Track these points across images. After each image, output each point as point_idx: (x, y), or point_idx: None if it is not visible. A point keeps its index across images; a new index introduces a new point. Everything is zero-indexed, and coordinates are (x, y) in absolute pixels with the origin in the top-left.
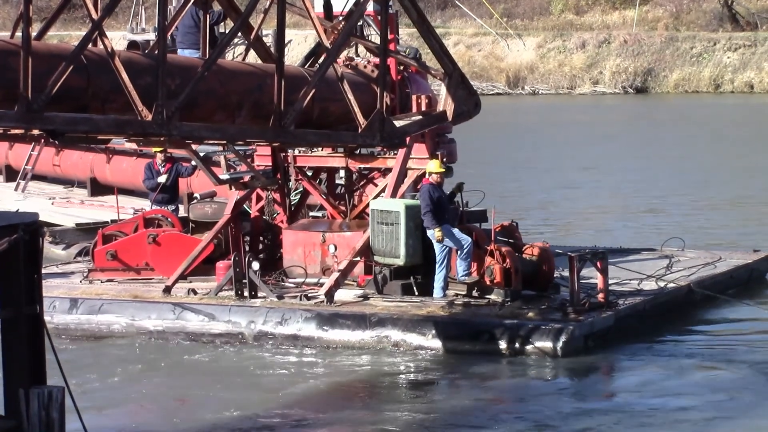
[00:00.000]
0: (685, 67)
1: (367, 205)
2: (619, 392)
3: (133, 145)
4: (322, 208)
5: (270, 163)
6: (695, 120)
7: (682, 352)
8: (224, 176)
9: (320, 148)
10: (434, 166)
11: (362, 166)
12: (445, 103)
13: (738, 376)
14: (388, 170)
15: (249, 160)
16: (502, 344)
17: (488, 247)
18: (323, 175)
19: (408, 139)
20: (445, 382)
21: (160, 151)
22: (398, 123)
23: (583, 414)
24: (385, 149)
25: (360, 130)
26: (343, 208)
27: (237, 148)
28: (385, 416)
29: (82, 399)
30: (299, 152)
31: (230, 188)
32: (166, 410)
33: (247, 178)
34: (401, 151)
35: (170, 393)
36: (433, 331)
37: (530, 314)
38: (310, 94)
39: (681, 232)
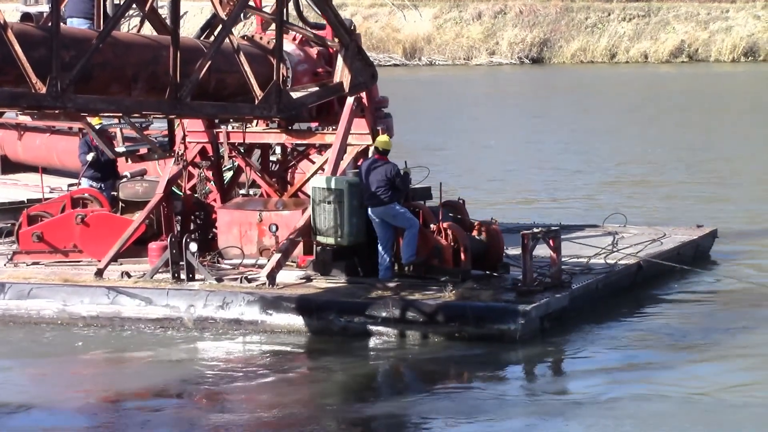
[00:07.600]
0: (581, 37)
1: (304, 183)
2: (575, 375)
3: (28, 120)
4: (253, 185)
5: (206, 139)
6: (593, 91)
7: (636, 330)
8: (120, 149)
9: (255, 124)
10: (382, 141)
11: (298, 142)
12: (342, 75)
13: (691, 352)
14: (324, 146)
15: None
16: (454, 326)
17: (435, 226)
18: (257, 152)
19: (349, 113)
20: (394, 366)
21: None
22: (295, 95)
23: (537, 398)
24: (321, 124)
25: (257, 101)
26: (278, 186)
27: (133, 120)
28: (333, 403)
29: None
30: (233, 128)
31: (126, 161)
32: (96, 401)
33: (143, 150)
34: (341, 127)
35: (102, 382)
36: (383, 314)
37: (483, 295)
38: (206, 66)
39: (613, 208)
